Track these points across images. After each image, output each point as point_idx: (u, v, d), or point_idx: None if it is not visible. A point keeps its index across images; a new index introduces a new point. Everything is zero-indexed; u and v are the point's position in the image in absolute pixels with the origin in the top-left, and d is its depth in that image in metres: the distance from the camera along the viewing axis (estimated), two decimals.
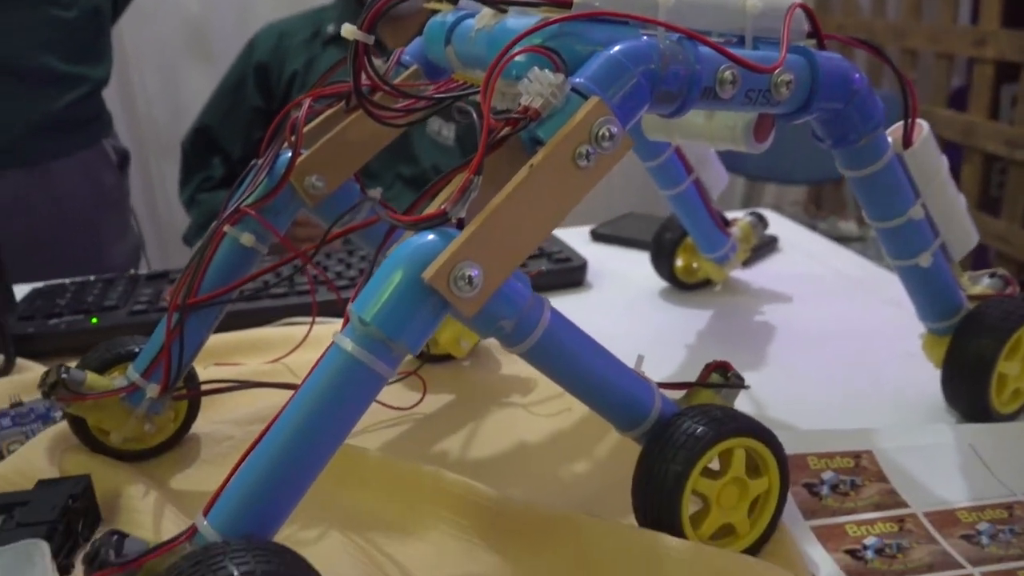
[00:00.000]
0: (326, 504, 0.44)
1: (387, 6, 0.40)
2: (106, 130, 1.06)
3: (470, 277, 0.32)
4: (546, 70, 0.34)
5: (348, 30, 0.39)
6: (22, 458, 0.47)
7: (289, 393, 0.50)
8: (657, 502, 0.36)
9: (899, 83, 0.43)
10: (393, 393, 0.55)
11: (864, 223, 1.58)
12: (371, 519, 0.43)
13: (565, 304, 0.70)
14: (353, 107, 0.47)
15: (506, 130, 0.34)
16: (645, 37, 0.35)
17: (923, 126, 0.45)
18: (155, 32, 1.72)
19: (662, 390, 0.39)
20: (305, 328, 0.60)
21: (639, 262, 0.76)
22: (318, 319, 0.59)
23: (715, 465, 0.38)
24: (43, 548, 0.34)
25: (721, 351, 0.60)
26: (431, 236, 0.33)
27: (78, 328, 0.65)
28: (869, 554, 0.38)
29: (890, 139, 0.44)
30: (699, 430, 0.36)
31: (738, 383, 0.41)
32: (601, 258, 0.81)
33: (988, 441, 0.46)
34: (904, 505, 0.41)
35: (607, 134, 0.33)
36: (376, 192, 0.44)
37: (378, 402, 0.52)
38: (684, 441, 0.36)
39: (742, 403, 0.52)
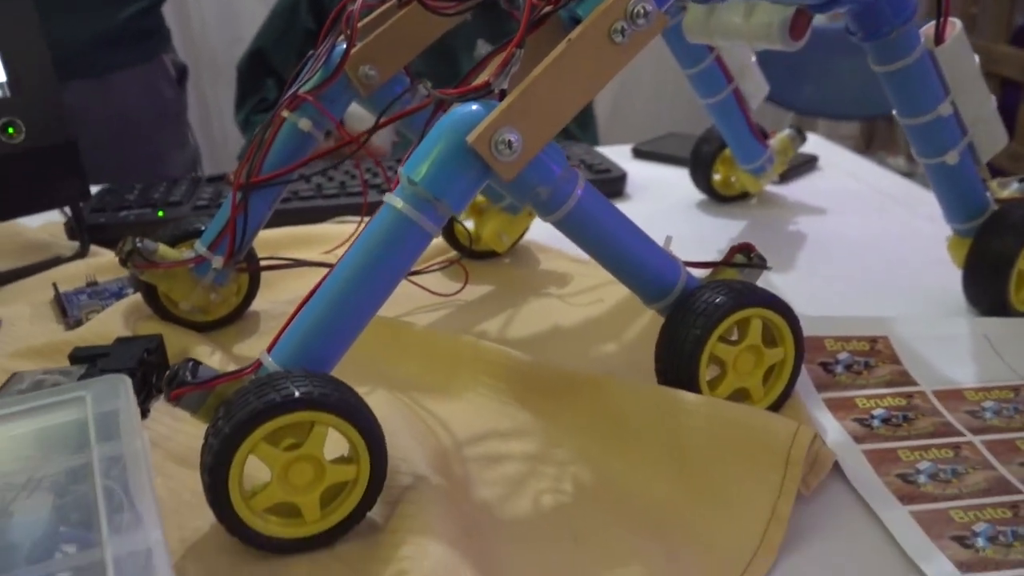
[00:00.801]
0: (373, 370, 0.47)
1: None
2: (165, 45, 1.09)
3: (509, 142, 0.35)
4: None
5: None
6: (100, 323, 0.52)
7: None
8: (677, 364, 0.39)
9: None
10: (437, 281, 0.59)
11: (913, 159, 1.56)
12: (414, 383, 0.46)
13: None
14: (406, 0, 0.49)
15: (547, 8, 0.36)
16: None
17: (956, 24, 0.46)
18: None
19: (689, 268, 0.42)
20: (356, 225, 0.64)
21: (678, 177, 0.78)
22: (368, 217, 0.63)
23: (734, 336, 0.41)
24: (127, 381, 0.38)
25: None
26: (475, 106, 0.36)
27: (145, 220, 0.69)
28: (876, 423, 0.41)
29: (922, 36, 0.45)
30: (719, 300, 0.39)
31: (760, 263, 0.43)
32: (641, 173, 0.83)
33: (1002, 332, 0.48)
34: (914, 384, 0.44)
35: (642, 11, 0.36)
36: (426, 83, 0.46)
37: (422, 287, 0.57)
38: (704, 309, 0.39)
39: None
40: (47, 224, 0.72)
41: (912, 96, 0.46)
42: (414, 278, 0.57)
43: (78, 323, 0.54)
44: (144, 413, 0.45)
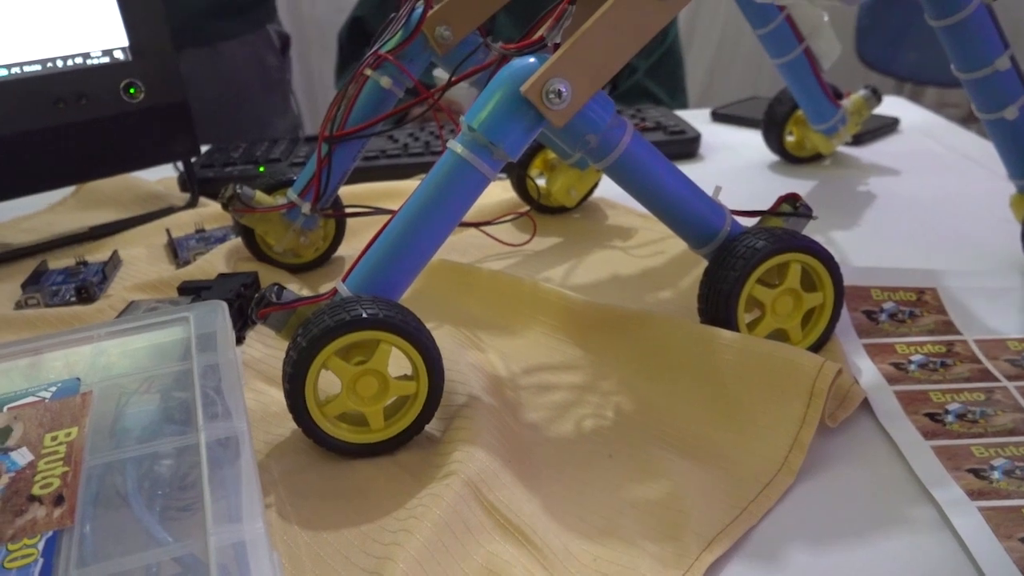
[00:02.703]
0: (444, 307, 0.52)
1: None
2: (270, 15, 1.16)
3: (559, 91, 0.38)
4: None
5: None
6: (206, 261, 0.58)
7: None
8: (716, 304, 0.42)
9: None
10: (509, 233, 0.62)
11: None
12: (479, 320, 0.50)
13: None
14: None
15: None
16: None
17: None
18: None
19: (737, 216, 0.45)
20: None
21: (754, 139, 0.79)
22: None
23: (776, 281, 0.43)
24: (224, 306, 0.44)
25: (819, 215, 0.64)
26: (531, 59, 0.39)
27: (248, 175, 0.76)
28: (912, 367, 0.42)
29: None
30: (759, 244, 0.41)
31: (806, 213, 0.45)
32: (719, 135, 0.84)
33: None
34: (957, 333, 0.45)
35: None
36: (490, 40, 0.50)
37: (494, 238, 0.60)
38: (744, 252, 0.41)
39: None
40: (163, 179, 0.79)
41: (968, 50, 0.47)
42: (486, 228, 0.61)
43: (186, 263, 0.61)
44: (240, 340, 0.50)
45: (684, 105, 1.44)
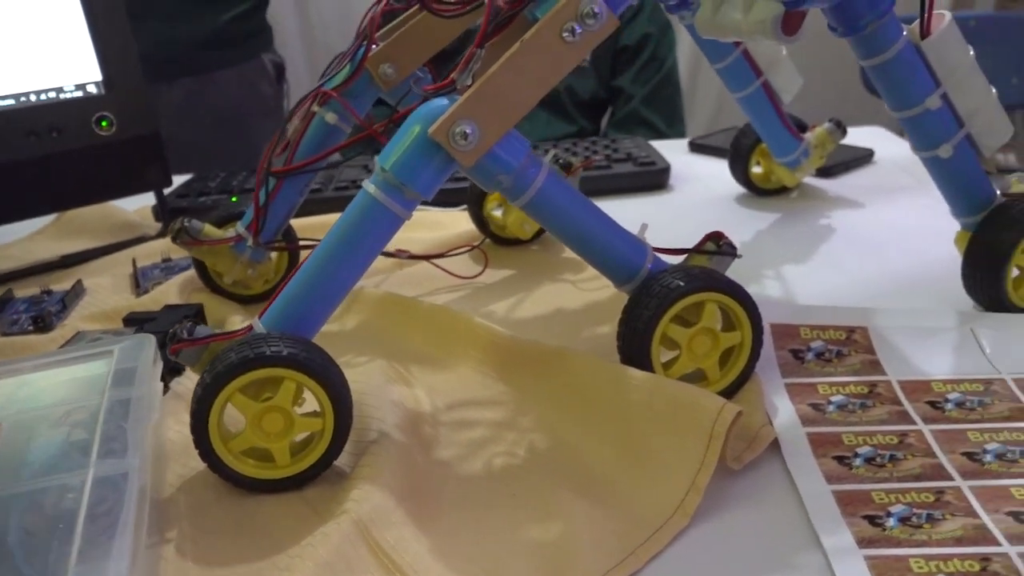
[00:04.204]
0: (380, 341, 0.52)
1: None
2: (265, 45, 1.19)
3: (466, 133, 0.39)
4: None
5: None
6: (160, 292, 0.59)
7: (376, 261, 0.60)
8: (632, 343, 0.42)
9: None
10: (463, 263, 0.63)
11: None
12: (414, 354, 0.51)
13: (644, 204, 0.76)
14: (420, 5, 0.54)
15: (509, 11, 0.40)
16: None
17: (945, 16, 0.46)
18: None
19: (662, 254, 0.45)
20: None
21: (726, 170, 0.78)
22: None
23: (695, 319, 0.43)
24: (152, 340, 0.45)
25: (774, 249, 0.64)
26: (442, 100, 0.40)
27: (220, 204, 0.77)
28: (830, 408, 0.42)
29: (905, 30, 0.45)
30: (674, 283, 0.41)
31: (730, 251, 0.45)
32: (693, 165, 0.84)
33: (991, 327, 0.47)
34: (882, 373, 0.44)
35: (591, 12, 0.38)
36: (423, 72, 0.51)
37: (444, 269, 0.61)
38: (659, 291, 0.41)
39: (773, 288, 0.56)
40: (141, 207, 0.81)
41: (898, 89, 0.47)
42: (437, 261, 0.62)
43: (146, 293, 0.62)
44: (179, 370, 0.51)
45: (682, 133, 1.44)
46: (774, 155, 0.70)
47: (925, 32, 0.45)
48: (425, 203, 0.73)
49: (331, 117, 0.54)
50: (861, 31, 0.45)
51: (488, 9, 0.39)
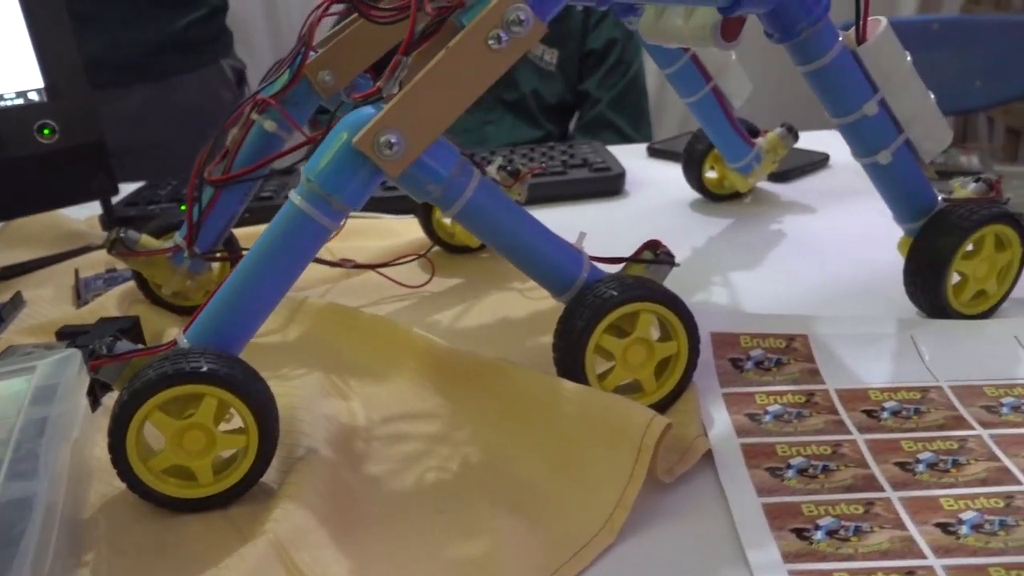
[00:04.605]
0: (321, 353, 0.51)
1: None
2: (225, 50, 1.17)
3: (391, 142, 0.38)
4: None
5: None
6: (99, 304, 0.58)
7: (322, 270, 0.59)
8: (566, 354, 0.41)
9: None
10: (408, 272, 0.62)
11: (987, 159, 1.49)
12: (354, 366, 0.50)
13: (599, 210, 0.75)
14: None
15: (436, 18, 0.39)
16: None
17: (881, 22, 0.45)
18: None
19: (601, 263, 0.44)
20: (356, 221, 0.68)
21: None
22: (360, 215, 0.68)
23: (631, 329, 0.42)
24: (78, 356, 0.43)
25: (724, 255, 0.64)
26: (369, 109, 0.39)
27: (168, 213, 0.76)
28: (767, 418, 0.42)
29: (841, 36, 0.45)
30: (607, 294, 0.41)
31: (667, 260, 0.45)
32: (650, 170, 0.84)
33: (931, 334, 0.47)
34: (821, 382, 0.44)
35: (518, 19, 0.38)
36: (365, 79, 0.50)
37: (390, 279, 0.60)
38: (592, 301, 0.41)
39: (720, 295, 0.56)
40: (90, 216, 0.79)
41: (835, 96, 0.46)
42: (383, 270, 0.61)
43: (86, 304, 0.60)
44: (111, 385, 0.50)
45: (649, 136, 1.44)
46: (726, 160, 0.69)
47: (861, 38, 0.45)
48: (378, 210, 0.74)
49: (270, 125, 0.53)
50: (796, 37, 0.44)
51: (412, 17, 0.38)
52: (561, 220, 0.72)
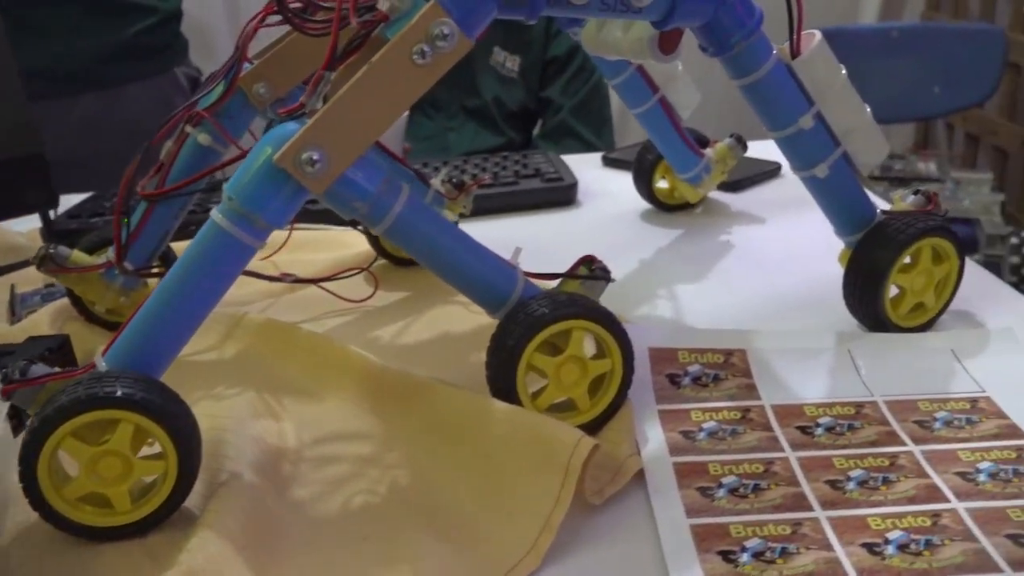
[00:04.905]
0: (256, 371, 0.50)
1: None
2: (179, 58, 1.15)
3: (313, 159, 0.37)
4: None
5: None
6: (30, 322, 0.56)
7: (265, 284, 0.57)
8: (499, 374, 0.41)
9: None
10: (352, 285, 0.61)
11: (945, 166, 1.50)
12: (289, 384, 0.49)
13: (550, 221, 0.75)
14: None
15: (361, 33, 0.38)
16: None
17: (815, 35, 0.45)
18: None
19: (536, 279, 0.44)
20: (304, 233, 0.67)
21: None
22: (307, 225, 0.67)
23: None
24: None
25: (671, 267, 0.63)
26: (292, 125, 0.38)
27: (104, 228, 0.74)
28: (701, 436, 0.41)
29: (776, 49, 0.45)
30: (539, 311, 0.40)
31: (602, 275, 0.44)
32: (604, 180, 0.84)
33: (869, 348, 0.47)
34: (757, 398, 0.44)
35: (442, 34, 0.37)
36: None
37: (333, 293, 0.59)
38: (523, 319, 0.40)
39: (665, 308, 0.56)
40: (32, 229, 0.78)
41: (770, 109, 0.46)
42: (326, 284, 0.60)
43: (20, 321, 0.59)
44: None
45: (611, 144, 1.44)
46: (675, 171, 0.69)
47: (795, 52, 0.45)
48: (326, 221, 0.73)
49: (204, 138, 0.52)
50: (730, 51, 0.44)
51: (334, 32, 0.38)
52: (512, 231, 0.72)
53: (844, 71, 0.46)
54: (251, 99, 0.53)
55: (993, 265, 1.36)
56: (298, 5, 0.45)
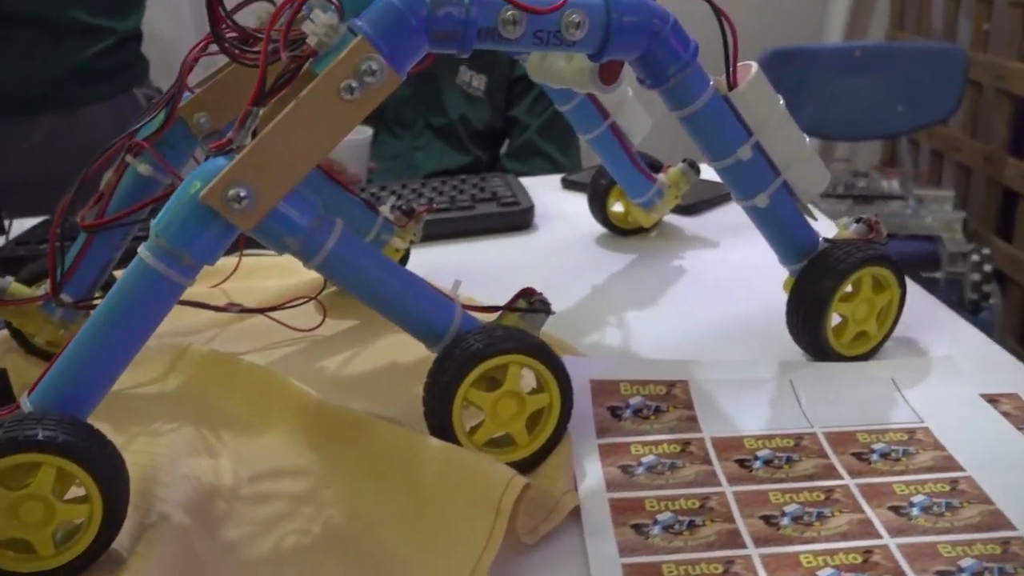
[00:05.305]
0: (197, 403, 0.50)
1: None
2: (138, 79, 1.14)
3: (240, 196, 0.36)
4: (329, 12, 0.38)
5: None
6: None
7: (213, 312, 0.56)
8: (435, 410, 0.40)
9: (719, 24, 0.44)
10: (301, 314, 0.60)
11: (908, 184, 1.52)
12: (229, 418, 0.48)
13: (506, 245, 0.75)
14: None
15: (291, 67, 0.38)
16: None
17: (751, 67, 0.45)
18: None
19: (475, 311, 0.43)
20: (254, 259, 0.66)
21: None
22: (257, 252, 0.66)
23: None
24: None
25: (623, 293, 0.63)
26: (221, 160, 0.38)
27: (62, 252, 0.73)
28: (640, 470, 0.41)
29: (712, 81, 0.45)
30: (474, 346, 0.40)
31: (542, 308, 0.44)
32: (562, 203, 0.84)
33: (810, 378, 0.47)
34: (697, 430, 0.43)
35: (369, 69, 0.37)
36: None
37: (280, 322, 0.58)
38: (458, 355, 0.40)
39: (612, 337, 0.55)
40: None
41: (708, 140, 0.46)
42: (273, 314, 0.59)
43: None
44: None
45: (577, 163, 1.44)
46: (628, 196, 0.69)
47: (732, 83, 0.45)
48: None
49: (144, 168, 0.51)
50: (666, 83, 0.44)
51: (262, 68, 0.37)
52: (467, 256, 0.72)
53: (782, 102, 0.47)
54: (192, 128, 0.52)
55: (955, 282, 1.38)
56: (234, 35, 0.44)
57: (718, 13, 0.44)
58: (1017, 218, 1.61)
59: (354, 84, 0.37)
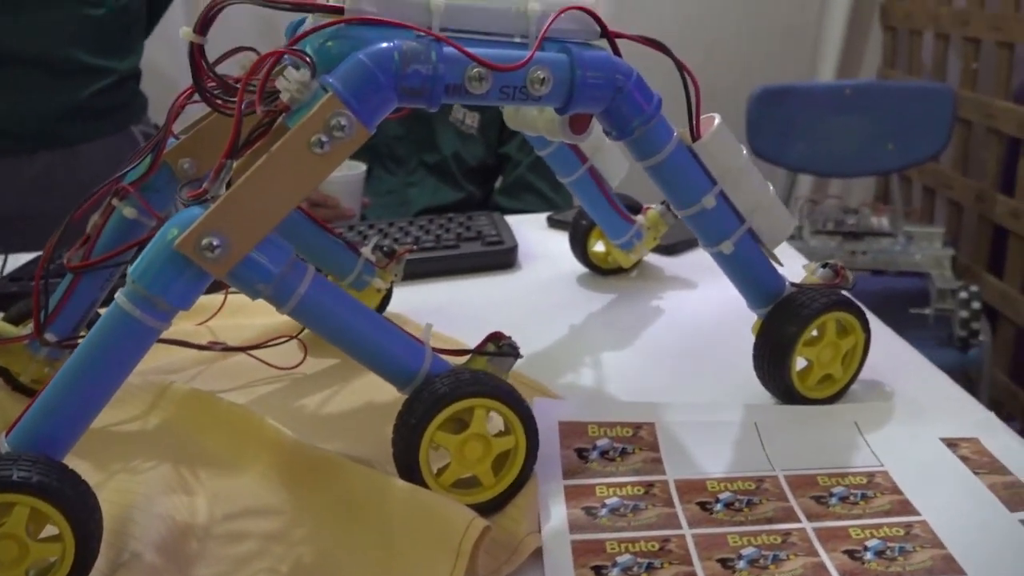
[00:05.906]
0: (176, 441, 0.51)
1: (219, 8, 0.46)
2: (136, 117, 1.17)
3: (213, 245, 0.38)
4: (302, 70, 0.39)
5: (185, 32, 0.45)
6: None
7: (193, 351, 0.58)
8: (403, 451, 0.41)
9: (682, 79, 0.46)
10: (284, 352, 0.61)
11: (898, 221, 1.53)
12: (206, 457, 0.49)
13: (489, 284, 0.76)
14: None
15: (265, 121, 0.40)
16: (395, 41, 0.40)
17: (715, 119, 0.47)
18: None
19: (446, 355, 0.44)
20: (240, 297, 0.67)
21: None
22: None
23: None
24: None
25: (599, 333, 0.64)
26: (197, 210, 0.39)
27: (54, 289, 0.74)
28: (603, 512, 0.42)
29: (676, 132, 0.46)
30: (441, 390, 0.41)
31: (510, 352, 0.45)
32: (547, 242, 0.85)
33: (774, 420, 0.48)
34: (661, 472, 0.44)
35: (339, 124, 0.38)
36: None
37: (262, 360, 0.60)
38: (426, 398, 0.41)
39: (586, 377, 0.56)
40: None
41: (674, 189, 0.48)
42: (255, 352, 0.60)
43: None
44: None
45: (569, 200, 1.46)
46: (608, 237, 0.71)
47: (695, 135, 0.47)
48: None
49: (129, 212, 0.53)
50: (631, 135, 0.46)
51: (236, 122, 0.39)
52: (450, 295, 0.74)
53: (745, 151, 0.48)
54: (176, 173, 0.54)
55: (944, 319, 1.39)
56: (214, 85, 0.46)
57: (681, 68, 0.46)
58: (1007, 255, 1.62)
59: (324, 139, 0.38)
